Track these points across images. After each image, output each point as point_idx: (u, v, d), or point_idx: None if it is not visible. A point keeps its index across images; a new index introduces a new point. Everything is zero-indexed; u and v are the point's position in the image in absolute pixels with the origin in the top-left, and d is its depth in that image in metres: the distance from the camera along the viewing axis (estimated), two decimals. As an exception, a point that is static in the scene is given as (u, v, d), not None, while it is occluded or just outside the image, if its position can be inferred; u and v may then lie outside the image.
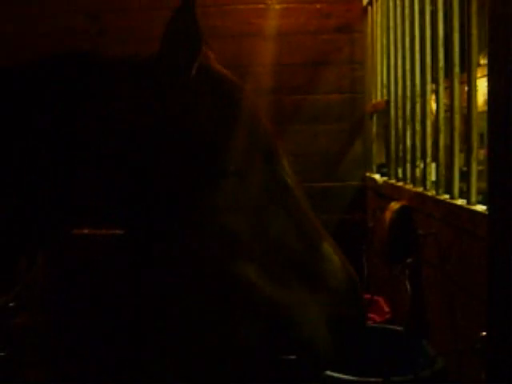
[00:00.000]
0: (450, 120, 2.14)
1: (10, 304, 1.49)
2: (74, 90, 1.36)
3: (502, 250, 1.09)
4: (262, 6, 3.71)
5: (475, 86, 1.93)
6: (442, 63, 2.30)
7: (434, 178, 2.39)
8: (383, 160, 3.52)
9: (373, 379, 1.96)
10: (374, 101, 3.58)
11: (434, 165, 2.41)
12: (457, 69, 2.11)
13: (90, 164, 1.32)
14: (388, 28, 3.20)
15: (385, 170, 3.34)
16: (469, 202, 1.91)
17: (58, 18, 3.63)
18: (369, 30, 3.66)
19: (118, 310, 3.31)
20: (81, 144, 1.33)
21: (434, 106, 2.45)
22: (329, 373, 1.99)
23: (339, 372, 1.99)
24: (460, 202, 2.00)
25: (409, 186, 2.68)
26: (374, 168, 3.62)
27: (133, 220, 1.34)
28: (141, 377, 3.04)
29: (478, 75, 1.97)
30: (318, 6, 3.76)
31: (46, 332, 2.85)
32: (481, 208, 1.80)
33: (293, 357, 1.64)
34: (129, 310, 3.33)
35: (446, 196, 2.15)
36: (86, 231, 3.37)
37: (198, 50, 1.29)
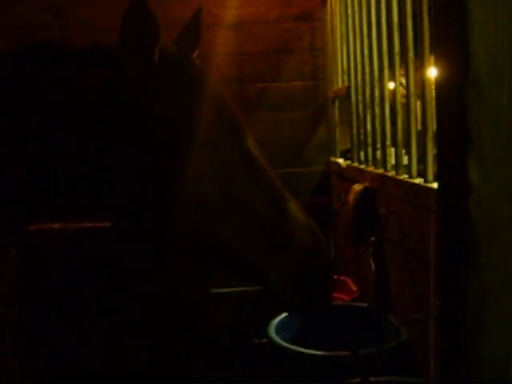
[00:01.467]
0: (406, 103, 2.23)
1: None
2: (38, 79, 1.43)
3: (449, 222, 1.17)
4: (222, -4, 3.75)
5: (428, 68, 2.02)
6: (397, 49, 2.39)
7: (393, 160, 2.48)
8: (349, 146, 3.60)
9: (341, 353, 2.05)
10: (335, 87, 3.66)
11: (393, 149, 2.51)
12: (411, 53, 2.20)
13: (65, 153, 1.39)
14: (346, 15, 3.28)
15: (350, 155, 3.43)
16: (426, 181, 2.00)
17: (20, 13, 3.61)
18: (328, 17, 3.73)
19: (93, 303, 3.34)
20: (50, 133, 1.40)
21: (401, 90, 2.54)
22: (299, 349, 2.08)
23: (310, 348, 2.08)
24: (418, 180, 2.09)
25: (370, 168, 2.77)
26: (338, 153, 3.71)
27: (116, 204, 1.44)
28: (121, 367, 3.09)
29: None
30: (279, -6, 3.81)
31: (18, 324, 2.87)
32: (436, 185, 1.89)
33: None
34: (103, 303, 3.37)
35: (405, 176, 2.24)
36: (56, 225, 3.39)
37: (157, 36, 1.38)
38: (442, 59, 1.18)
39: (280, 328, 2.38)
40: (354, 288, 3.04)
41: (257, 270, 1.47)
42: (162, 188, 1.42)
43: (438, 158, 1.28)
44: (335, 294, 2.71)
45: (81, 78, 1.43)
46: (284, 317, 2.47)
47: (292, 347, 2.11)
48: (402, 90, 2.52)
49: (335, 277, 2.89)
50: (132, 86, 1.42)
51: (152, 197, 1.43)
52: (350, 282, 3.14)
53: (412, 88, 2.20)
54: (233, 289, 3.79)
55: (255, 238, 1.44)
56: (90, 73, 1.44)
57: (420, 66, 2.06)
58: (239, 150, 1.49)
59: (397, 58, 2.40)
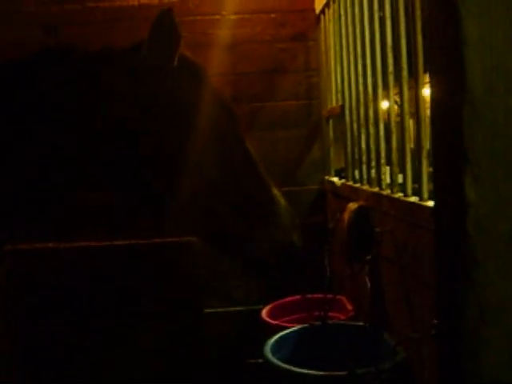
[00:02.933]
0: (400, 121, 2.24)
1: None
2: (66, 79, 1.64)
3: (446, 239, 1.17)
4: (217, 16, 3.79)
5: (422, 87, 2.03)
6: (391, 68, 2.41)
7: (388, 179, 2.49)
8: (343, 165, 3.61)
9: (338, 373, 2.04)
10: (329, 106, 3.68)
11: (388, 167, 2.52)
12: (405, 72, 2.22)
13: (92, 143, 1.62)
14: (340, 35, 3.31)
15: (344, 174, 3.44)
16: (421, 199, 2.01)
17: (15, 30, 3.63)
18: (322, 37, 3.77)
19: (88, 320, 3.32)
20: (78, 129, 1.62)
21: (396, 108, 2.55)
22: (295, 369, 2.06)
23: (306, 368, 2.06)
24: (413, 199, 2.10)
25: (365, 187, 2.78)
26: (333, 171, 3.72)
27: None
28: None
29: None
30: (273, 15, 3.85)
31: (12, 339, 2.85)
32: (432, 204, 1.90)
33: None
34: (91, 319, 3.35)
35: (400, 194, 2.25)
36: (50, 245, 3.38)
37: (178, 44, 1.66)
38: (437, 78, 1.19)
39: (276, 348, 2.36)
40: (350, 307, 3.03)
41: (245, 241, 1.73)
42: (176, 165, 1.67)
43: (434, 176, 1.29)
44: (331, 313, 2.70)
45: (108, 81, 1.66)
46: (280, 336, 2.46)
47: (288, 367, 2.10)
48: (395, 109, 2.54)
49: (331, 296, 2.88)
50: (158, 85, 1.67)
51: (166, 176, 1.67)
52: (345, 300, 3.13)
53: (406, 106, 2.21)
54: (227, 308, 3.77)
55: (245, 214, 1.72)
56: (118, 76, 1.67)
57: (414, 85, 2.08)
58: (235, 138, 1.78)
59: (391, 77, 2.42)
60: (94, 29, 3.55)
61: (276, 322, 2.99)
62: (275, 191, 1.81)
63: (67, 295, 3.36)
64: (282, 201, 1.81)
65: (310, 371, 2.04)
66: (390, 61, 2.41)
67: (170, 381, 3.38)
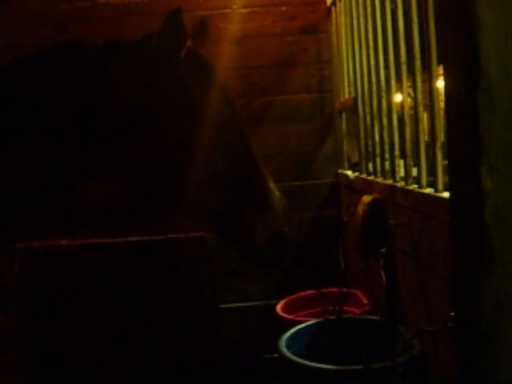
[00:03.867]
0: (414, 113, 2.21)
1: None
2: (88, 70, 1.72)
3: (463, 230, 1.15)
4: (228, 10, 3.77)
5: (436, 78, 2.00)
6: (404, 58, 2.38)
7: (402, 171, 2.46)
8: (357, 158, 3.58)
9: (353, 367, 2.02)
10: (342, 99, 3.65)
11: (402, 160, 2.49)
12: (418, 62, 2.19)
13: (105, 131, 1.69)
14: (352, 27, 3.28)
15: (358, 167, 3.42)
16: (436, 190, 1.98)
17: (25, 30, 3.64)
18: (333, 29, 3.73)
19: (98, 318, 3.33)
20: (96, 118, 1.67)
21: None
22: (311, 363, 2.05)
23: (321, 362, 2.05)
24: (428, 190, 2.07)
25: (379, 179, 2.75)
26: (346, 164, 3.70)
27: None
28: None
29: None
30: (283, 8, 3.82)
31: (22, 336, 2.86)
32: (447, 195, 1.87)
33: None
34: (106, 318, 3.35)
35: (415, 186, 2.22)
36: (63, 242, 3.39)
37: (186, 39, 1.75)
38: (451, 66, 1.16)
39: (291, 342, 2.35)
40: (365, 301, 3.01)
41: (243, 228, 1.81)
42: (183, 155, 1.74)
43: (449, 166, 1.26)
44: (346, 307, 2.68)
45: (124, 72, 1.74)
46: (294, 331, 2.45)
47: (303, 361, 2.08)
48: (409, 101, 2.51)
49: (345, 290, 2.86)
50: (165, 76, 1.75)
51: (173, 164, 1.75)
52: (360, 294, 3.11)
53: (420, 97, 2.18)
54: (242, 303, 3.77)
55: (245, 204, 1.81)
56: (131, 66, 1.75)
57: (427, 77, 2.05)
58: (240, 132, 1.85)
59: (404, 68, 2.39)
60: (105, 25, 3.55)
61: (291, 317, 2.97)
62: (271, 184, 1.89)
63: (80, 292, 3.37)
64: (277, 193, 1.89)
65: (325, 365, 2.02)
66: (403, 51, 2.38)
67: (184, 376, 3.39)
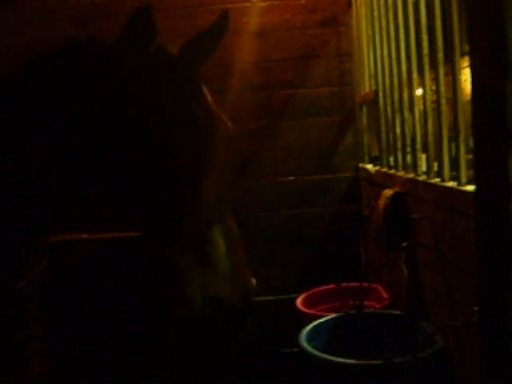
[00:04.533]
0: (437, 105, 2.18)
1: (25, 288, 1.56)
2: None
3: (488, 224, 1.13)
4: (247, 4, 3.75)
5: (459, 71, 1.97)
6: (426, 50, 2.35)
7: (424, 165, 2.43)
8: (377, 152, 3.56)
9: (374, 362, 2.00)
10: (362, 92, 3.62)
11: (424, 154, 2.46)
12: (440, 54, 2.16)
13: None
14: (372, 19, 3.24)
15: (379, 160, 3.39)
16: (459, 184, 1.95)
17: (46, 26, 3.66)
18: (354, 22, 3.70)
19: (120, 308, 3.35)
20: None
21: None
22: (332, 358, 2.04)
23: (342, 357, 2.04)
24: (451, 183, 2.04)
25: (400, 173, 2.72)
26: (367, 158, 3.67)
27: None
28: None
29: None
30: (303, 1, 3.80)
31: (47, 322, 2.89)
32: (471, 188, 1.84)
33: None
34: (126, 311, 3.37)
35: (437, 179, 2.19)
36: (84, 236, 3.41)
37: (154, 36, 1.61)
38: (477, 57, 1.14)
39: (311, 337, 2.34)
40: (385, 295, 2.99)
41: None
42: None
43: (475, 159, 1.24)
44: (366, 302, 2.66)
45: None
46: (315, 325, 2.44)
47: (324, 356, 2.07)
48: (431, 95, 2.47)
49: (366, 284, 2.84)
50: (128, 76, 1.60)
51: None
52: (380, 289, 3.09)
53: (442, 90, 2.15)
54: (263, 297, 3.76)
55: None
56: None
57: (450, 70, 2.02)
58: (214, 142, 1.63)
59: (426, 60, 2.35)
60: (122, 19, 3.54)
61: (311, 312, 2.96)
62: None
63: (101, 286, 3.39)
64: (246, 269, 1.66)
65: (346, 360, 2.01)
66: (425, 43, 2.34)
67: (202, 370, 3.39)
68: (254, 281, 1.65)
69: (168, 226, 1.57)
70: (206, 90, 1.71)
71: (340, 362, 2.01)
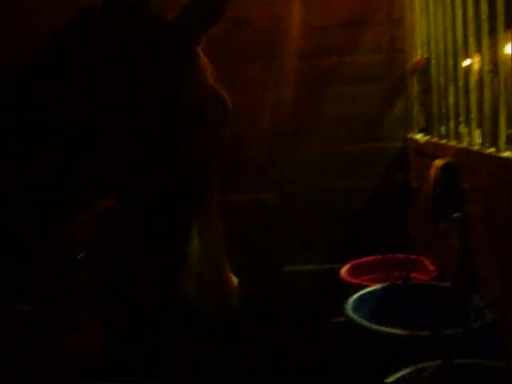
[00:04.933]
0: (494, 72, 2.10)
1: (78, 257, 1.56)
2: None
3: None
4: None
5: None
6: (485, 14, 2.25)
7: (477, 134, 2.36)
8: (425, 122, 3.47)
9: (422, 333, 1.98)
10: (413, 59, 3.53)
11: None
12: (501, 19, 2.06)
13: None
14: (426, -17, 3.13)
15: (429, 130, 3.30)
16: (516, 154, 1.89)
17: (59, 17, 3.61)
18: (406, -13, 3.59)
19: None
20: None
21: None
22: (379, 327, 2.02)
23: (388, 327, 2.02)
24: (507, 153, 1.98)
25: (452, 143, 2.65)
26: (416, 128, 3.58)
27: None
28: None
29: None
30: (355, -33, 3.69)
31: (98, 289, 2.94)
32: (529, 158, 1.78)
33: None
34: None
35: (492, 149, 2.12)
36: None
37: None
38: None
39: (356, 306, 2.32)
40: (432, 267, 2.94)
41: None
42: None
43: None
44: (413, 274, 2.63)
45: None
46: (360, 295, 2.42)
47: (371, 325, 2.06)
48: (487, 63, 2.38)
49: (413, 256, 2.80)
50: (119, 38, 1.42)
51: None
52: (427, 261, 3.04)
53: (501, 55, 2.07)
54: (309, 266, 3.76)
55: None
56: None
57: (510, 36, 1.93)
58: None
59: (484, 25, 2.26)
60: None
61: (356, 281, 2.94)
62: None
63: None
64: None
65: (394, 330, 1.99)
66: (485, 6, 2.24)
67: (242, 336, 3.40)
68: (235, 280, 1.55)
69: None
70: (202, 65, 1.50)
71: (387, 332, 1.99)
